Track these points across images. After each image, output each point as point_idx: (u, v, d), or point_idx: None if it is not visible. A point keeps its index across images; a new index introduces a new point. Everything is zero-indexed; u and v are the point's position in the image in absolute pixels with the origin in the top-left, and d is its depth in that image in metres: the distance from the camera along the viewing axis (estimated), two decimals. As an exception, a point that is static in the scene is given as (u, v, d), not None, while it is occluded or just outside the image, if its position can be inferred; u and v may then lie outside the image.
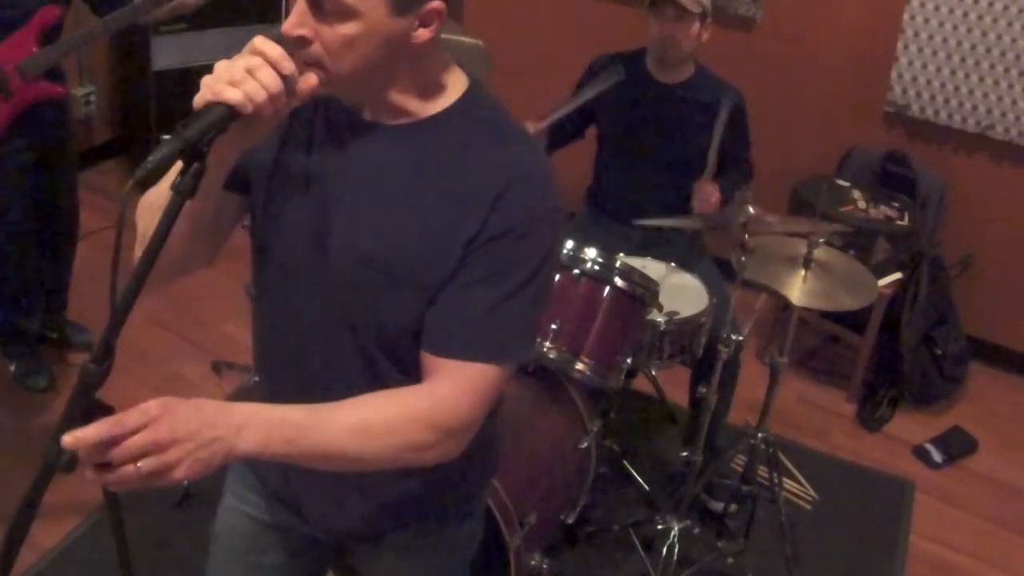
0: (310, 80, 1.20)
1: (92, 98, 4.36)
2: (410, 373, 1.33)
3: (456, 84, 1.34)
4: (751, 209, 2.51)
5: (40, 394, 3.20)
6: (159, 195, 1.26)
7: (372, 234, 1.30)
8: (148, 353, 3.40)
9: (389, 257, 1.29)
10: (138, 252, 1.16)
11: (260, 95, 1.14)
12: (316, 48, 1.20)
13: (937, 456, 3.38)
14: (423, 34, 1.24)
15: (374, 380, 1.34)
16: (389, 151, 1.31)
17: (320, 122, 1.34)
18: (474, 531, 1.66)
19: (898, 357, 3.52)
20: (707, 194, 2.85)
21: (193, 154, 1.11)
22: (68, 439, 1.05)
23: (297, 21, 1.20)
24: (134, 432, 1.07)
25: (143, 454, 1.08)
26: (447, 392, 1.28)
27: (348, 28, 1.19)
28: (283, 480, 1.51)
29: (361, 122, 1.32)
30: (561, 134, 3.14)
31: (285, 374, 1.44)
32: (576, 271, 2.48)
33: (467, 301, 1.27)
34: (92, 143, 4.47)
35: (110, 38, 4.38)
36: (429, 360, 1.30)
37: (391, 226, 1.29)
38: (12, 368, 3.25)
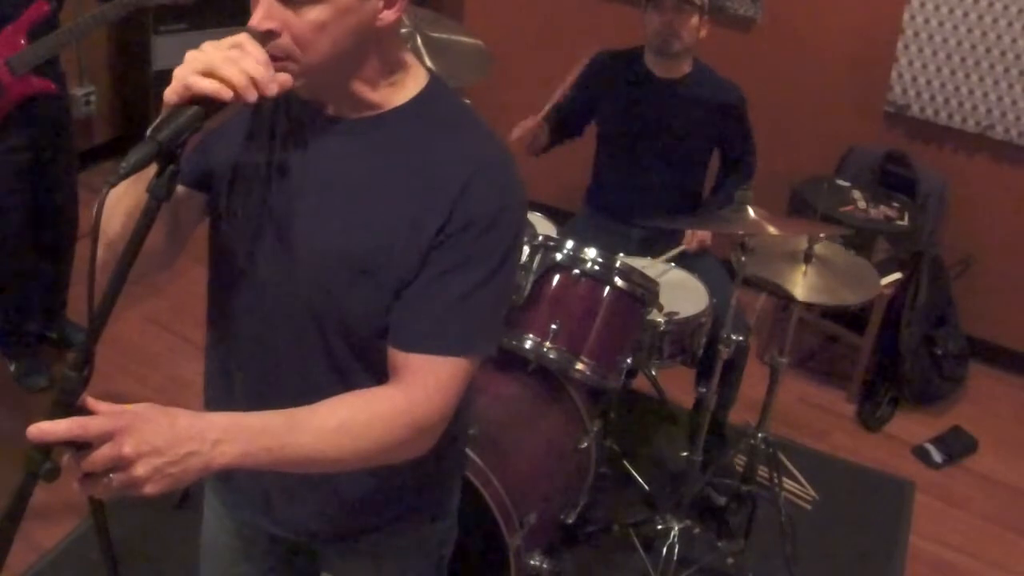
0: (283, 79, 1.18)
1: (92, 98, 4.36)
2: (377, 372, 1.32)
3: (417, 77, 1.33)
4: (751, 211, 2.51)
5: (40, 394, 3.20)
6: (118, 196, 1.23)
7: (337, 229, 1.29)
8: (148, 353, 3.40)
9: (354, 252, 1.28)
10: (101, 251, 1.13)
11: (241, 81, 1.11)
12: (285, 40, 1.19)
13: (937, 456, 3.38)
14: (388, 15, 1.23)
15: (341, 381, 1.34)
16: (353, 145, 1.30)
17: (282, 117, 1.33)
18: (447, 532, 1.64)
19: (898, 357, 3.52)
20: (698, 236, 2.94)
21: (167, 156, 1.09)
22: (33, 430, 1.04)
23: (265, 13, 1.18)
24: (99, 439, 1.06)
25: (111, 467, 1.07)
26: (418, 389, 1.27)
27: (317, 13, 1.18)
28: (254, 482, 1.49)
29: (324, 117, 1.31)
30: (562, 129, 3.13)
31: (250, 378, 1.42)
32: (576, 271, 2.48)
33: (433, 296, 1.27)
34: (92, 143, 4.46)
35: (109, 38, 4.38)
36: (397, 356, 1.29)
37: (356, 221, 1.28)
38: (12, 368, 3.25)
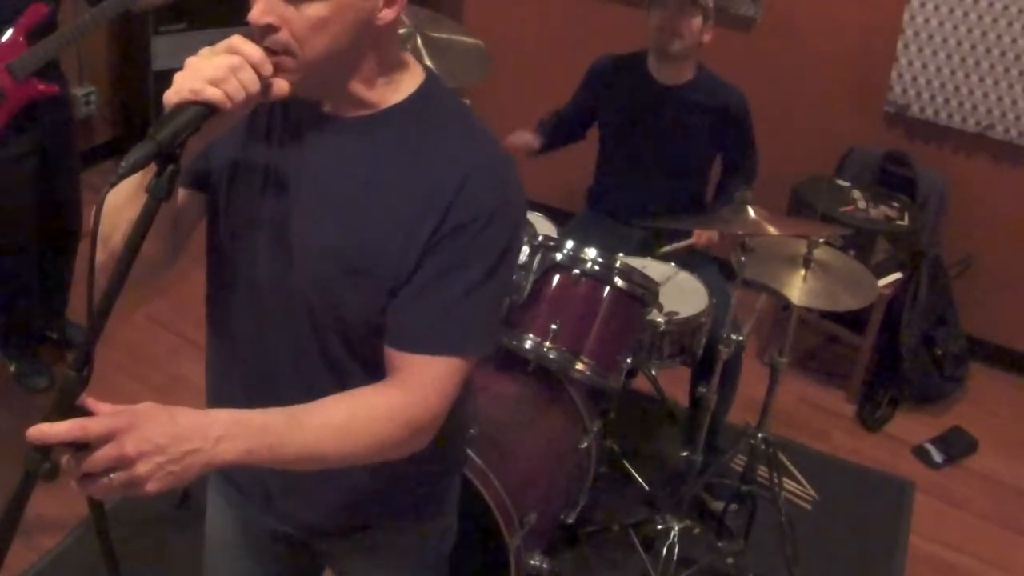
0: (282, 85, 1.20)
1: (92, 98, 4.36)
2: (373, 370, 1.33)
3: (414, 74, 1.34)
4: (751, 211, 2.51)
5: (40, 394, 3.20)
6: (118, 196, 1.23)
7: (331, 228, 1.29)
8: (148, 353, 3.40)
9: (348, 251, 1.28)
10: (100, 254, 1.14)
11: (240, 95, 1.14)
12: (284, 35, 1.19)
13: (937, 456, 3.38)
14: (387, 14, 1.24)
15: (337, 378, 1.34)
16: (349, 145, 1.30)
17: (279, 115, 1.34)
18: (447, 528, 1.65)
19: (898, 357, 3.52)
20: (705, 236, 2.91)
21: (167, 156, 1.10)
22: (33, 432, 1.04)
23: (265, 8, 1.19)
24: (100, 439, 1.06)
25: (112, 467, 1.07)
26: (416, 388, 1.28)
27: (317, 9, 1.18)
28: (253, 478, 1.50)
29: (321, 115, 1.32)
30: (562, 133, 3.14)
31: (248, 376, 1.43)
32: (576, 271, 2.48)
33: (430, 296, 1.28)
34: (92, 143, 4.46)
35: (110, 38, 4.39)
36: (394, 356, 1.30)
37: (350, 220, 1.29)
38: (12, 368, 3.25)
